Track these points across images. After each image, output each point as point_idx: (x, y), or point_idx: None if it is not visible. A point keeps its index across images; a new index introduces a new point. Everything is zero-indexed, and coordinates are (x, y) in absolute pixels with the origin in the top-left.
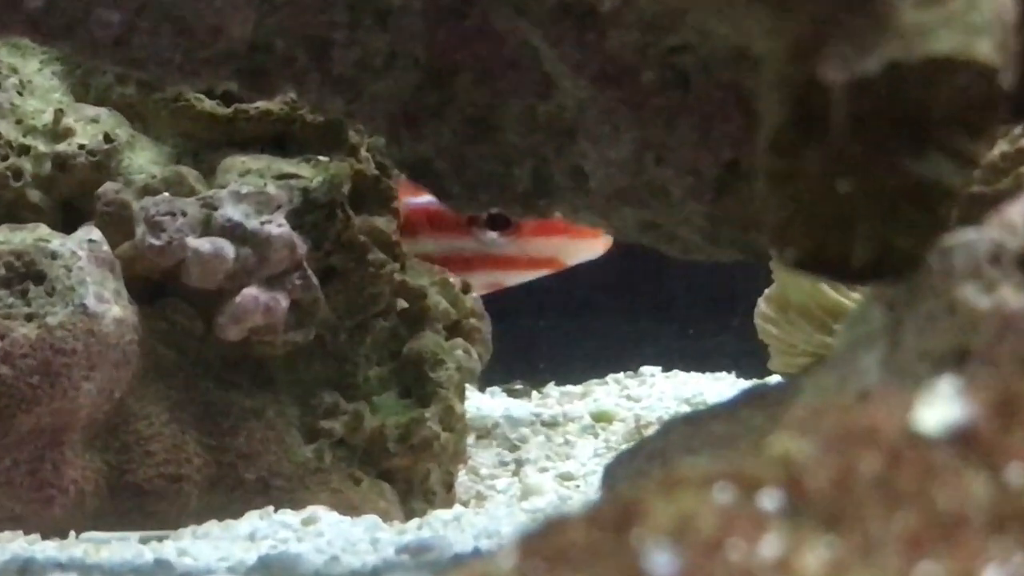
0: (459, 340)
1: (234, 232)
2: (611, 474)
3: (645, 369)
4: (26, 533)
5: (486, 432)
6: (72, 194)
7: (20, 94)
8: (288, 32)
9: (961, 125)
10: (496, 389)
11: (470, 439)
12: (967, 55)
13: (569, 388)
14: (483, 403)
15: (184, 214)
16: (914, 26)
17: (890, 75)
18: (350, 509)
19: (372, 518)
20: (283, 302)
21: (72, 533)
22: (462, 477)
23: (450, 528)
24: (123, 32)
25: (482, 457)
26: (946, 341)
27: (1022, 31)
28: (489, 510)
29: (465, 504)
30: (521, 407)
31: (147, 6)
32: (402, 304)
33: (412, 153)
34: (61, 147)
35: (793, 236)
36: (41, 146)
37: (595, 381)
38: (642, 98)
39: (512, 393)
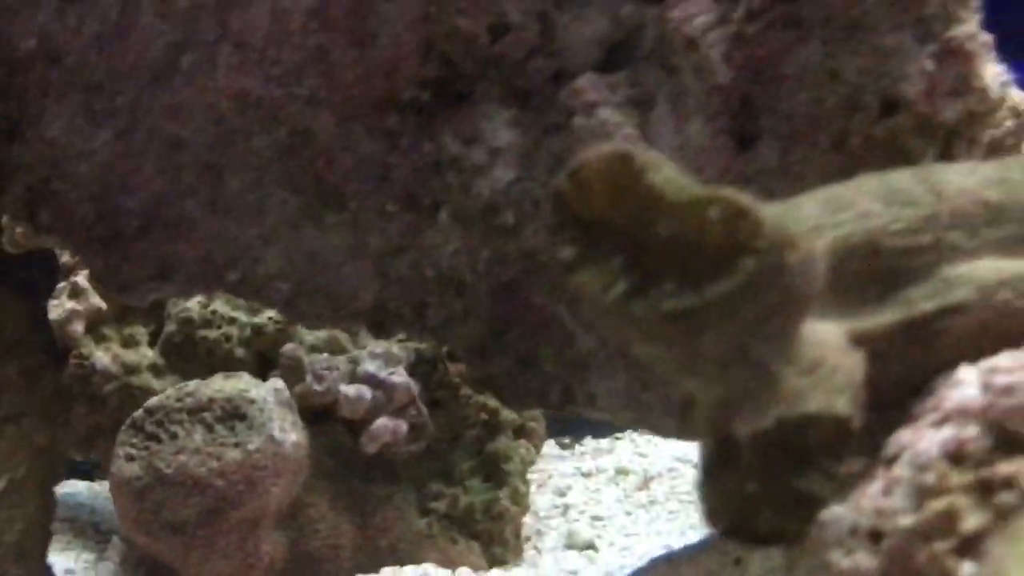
0: (522, 441)
1: (370, 380)
2: None
3: None
4: None
5: (544, 482)
6: (264, 350)
7: None
8: (398, 298)
9: (827, 454)
10: (551, 442)
11: (533, 488)
12: (830, 411)
13: (601, 444)
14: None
15: (338, 368)
16: (794, 390)
17: (779, 426)
18: (450, 562)
19: (465, 570)
20: (404, 427)
21: None
22: (526, 519)
23: None
24: (291, 296)
25: (541, 502)
26: None
27: (866, 385)
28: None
29: (528, 539)
30: (566, 462)
31: (305, 280)
32: (483, 418)
33: (482, 375)
34: (257, 319)
35: (723, 516)
36: (243, 317)
37: (617, 435)
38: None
39: (561, 446)
